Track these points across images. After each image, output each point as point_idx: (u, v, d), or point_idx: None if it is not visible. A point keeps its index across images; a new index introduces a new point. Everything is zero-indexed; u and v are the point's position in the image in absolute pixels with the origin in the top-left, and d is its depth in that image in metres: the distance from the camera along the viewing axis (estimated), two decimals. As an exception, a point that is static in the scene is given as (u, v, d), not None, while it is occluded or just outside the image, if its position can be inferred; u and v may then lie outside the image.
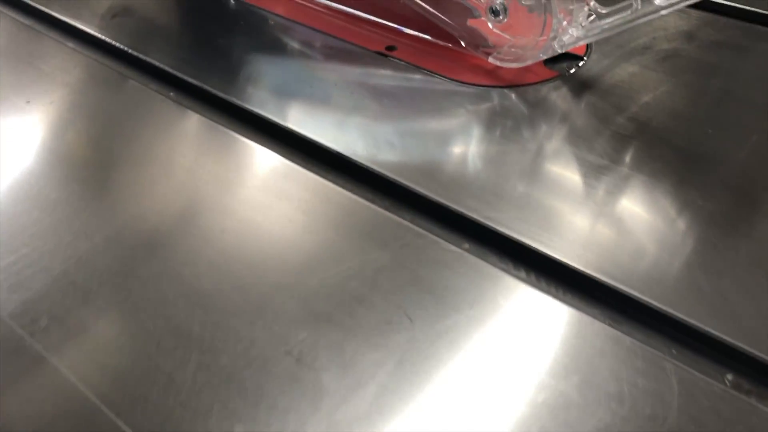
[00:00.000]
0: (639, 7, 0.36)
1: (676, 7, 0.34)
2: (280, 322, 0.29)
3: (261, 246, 0.33)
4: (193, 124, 0.41)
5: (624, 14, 0.37)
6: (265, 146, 0.39)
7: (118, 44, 0.47)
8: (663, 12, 0.35)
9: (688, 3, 0.34)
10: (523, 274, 0.32)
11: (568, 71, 0.43)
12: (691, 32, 0.46)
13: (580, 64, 0.43)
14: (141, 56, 0.46)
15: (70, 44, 0.49)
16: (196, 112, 0.42)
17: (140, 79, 0.45)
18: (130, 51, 0.46)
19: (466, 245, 0.33)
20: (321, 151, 0.38)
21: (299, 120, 0.40)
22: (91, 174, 0.37)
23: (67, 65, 0.47)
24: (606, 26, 0.38)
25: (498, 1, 0.41)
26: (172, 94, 0.44)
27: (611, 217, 0.33)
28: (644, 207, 0.34)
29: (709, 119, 0.39)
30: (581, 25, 0.40)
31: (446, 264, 0.31)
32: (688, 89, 0.41)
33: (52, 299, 0.31)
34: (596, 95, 0.41)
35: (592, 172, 0.36)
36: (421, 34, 0.46)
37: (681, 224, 0.33)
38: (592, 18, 0.40)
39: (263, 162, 0.38)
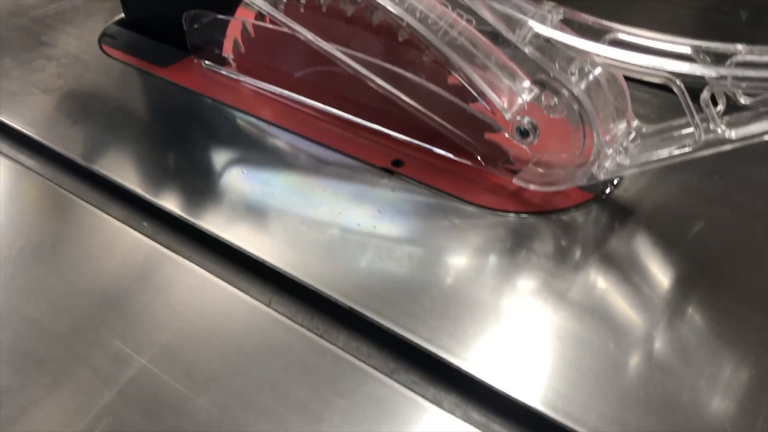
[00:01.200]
0: (702, 136, 0.31)
1: (748, 142, 0.29)
2: None
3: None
4: (172, 267, 0.35)
5: (677, 146, 0.32)
6: (255, 298, 0.33)
7: (83, 161, 0.41)
8: (728, 147, 0.30)
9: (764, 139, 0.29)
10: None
11: (604, 192, 0.38)
12: (732, 141, 0.42)
13: (615, 182, 0.38)
14: (108, 176, 0.39)
15: (22, 158, 0.42)
16: (173, 250, 0.35)
17: (105, 205, 0.38)
18: (93, 168, 0.40)
19: (517, 437, 0.27)
20: (328, 304, 0.32)
21: (301, 266, 0.34)
22: (46, 354, 0.30)
23: (19, 187, 0.40)
24: (654, 158, 0.33)
25: (525, 120, 0.36)
26: (145, 223, 0.38)
27: (682, 403, 0.28)
28: (726, 384, 0.28)
29: (774, 255, 0.34)
30: (622, 146, 0.35)
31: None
32: (743, 214, 0.36)
33: None
34: (640, 224, 0.36)
35: (654, 336, 0.30)
36: (432, 148, 0.41)
37: (774, 408, 0.27)
38: (632, 136, 0.35)
39: (254, 318, 0.32)
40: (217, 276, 0.34)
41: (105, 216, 0.38)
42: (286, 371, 0.29)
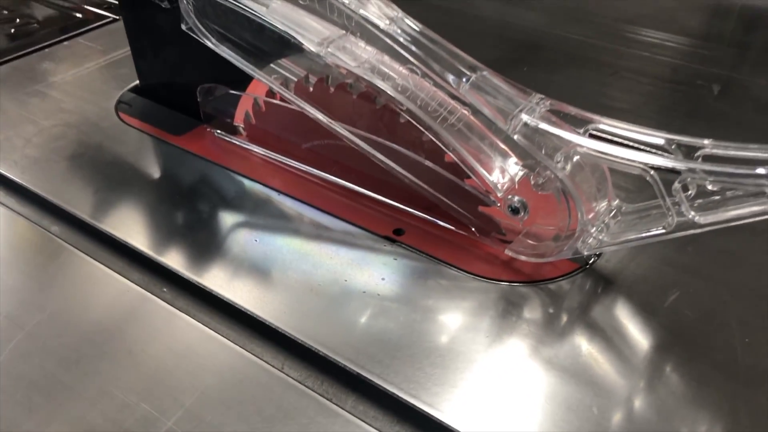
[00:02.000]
0: (675, 220, 0.34)
1: (717, 227, 0.33)
2: None
3: None
4: (191, 332, 0.38)
5: (653, 227, 0.35)
6: (269, 362, 0.36)
7: (105, 228, 0.44)
8: (698, 231, 0.34)
9: (734, 224, 0.32)
10: None
11: (588, 262, 0.41)
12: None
13: (599, 252, 0.42)
14: (129, 243, 0.42)
15: (46, 223, 0.45)
16: (191, 315, 0.38)
17: (126, 271, 0.41)
18: (114, 235, 0.43)
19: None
20: (337, 369, 0.35)
21: (311, 332, 0.36)
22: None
23: (45, 251, 0.43)
24: (633, 237, 0.36)
25: (516, 199, 0.39)
26: (165, 289, 0.40)
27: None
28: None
29: (742, 324, 0.37)
30: (604, 223, 0.38)
31: None
32: (715, 285, 0.40)
33: None
34: (621, 293, 0.39)
35: (634, 400, 0.33)
36: (431, 218, 0.44)
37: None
38: (613, 213, 0.39)
39: (270, 383, 0.35)
40: (233, 341, 0.37)
41: (127, 282, 0.41)
42: None
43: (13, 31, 0.69)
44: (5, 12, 0.73)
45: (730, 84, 0.61)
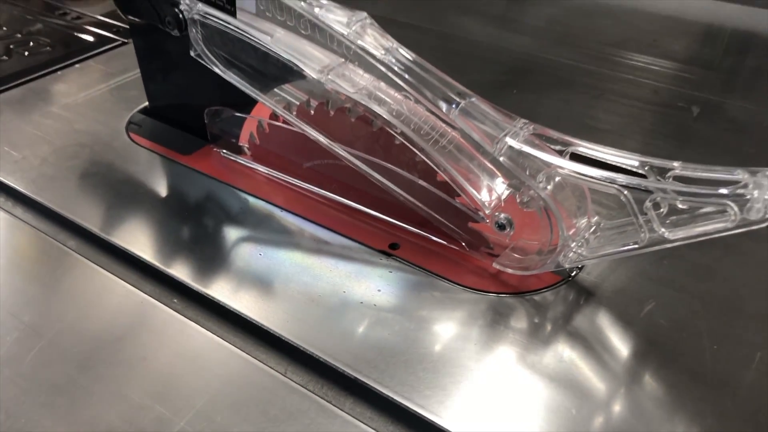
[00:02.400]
0: (647, 236, 0.37)
1: (686, 242, 0.36)
2: None
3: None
4: (200, 340, 0.40)
5: (629, 243, 0.38)
6: (273, 368, 0.38)
7: (119, 242, 0.46)
8: (669, 245, 0.37)
9: (701, 239, 0.35)
10: None
11: (570, 275, 0.44)
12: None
13: (580, 266, 0.45)
14: (141, 257, 0.45)
15: (62, 238, 0.48)
16: (201, 324, 0.41)
17: (139, 284, 0.44)
18: (128, 249, 0.46)
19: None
20: (336, 373, 0.38)
21: (312, 339, 0.39)
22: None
23: (62, 265, 0.46)
24: (609, 251, 0.39)
25: (502, 216, 0.42)
26: (175, 300, 0.43)
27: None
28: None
29: (711, 333, 0.40)
30: (584, 238, 0.41)
31: None
32: (687, 295, 0.43)
33: None
34: (601, 304, 0.42)
35: (612, 403, 0.36)
36: (424, 233, 0.47)
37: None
38: (593, 229, 0.42)
39: (274, 386, 0.38)
40: (240, 348, 0.40)
41: (139, 293, 0.43)
42: (302, 433, 0.35)
43: (27, 54, 0.72)
44: (19, 35, 0.76)
45: (709, 106, 0.65)
